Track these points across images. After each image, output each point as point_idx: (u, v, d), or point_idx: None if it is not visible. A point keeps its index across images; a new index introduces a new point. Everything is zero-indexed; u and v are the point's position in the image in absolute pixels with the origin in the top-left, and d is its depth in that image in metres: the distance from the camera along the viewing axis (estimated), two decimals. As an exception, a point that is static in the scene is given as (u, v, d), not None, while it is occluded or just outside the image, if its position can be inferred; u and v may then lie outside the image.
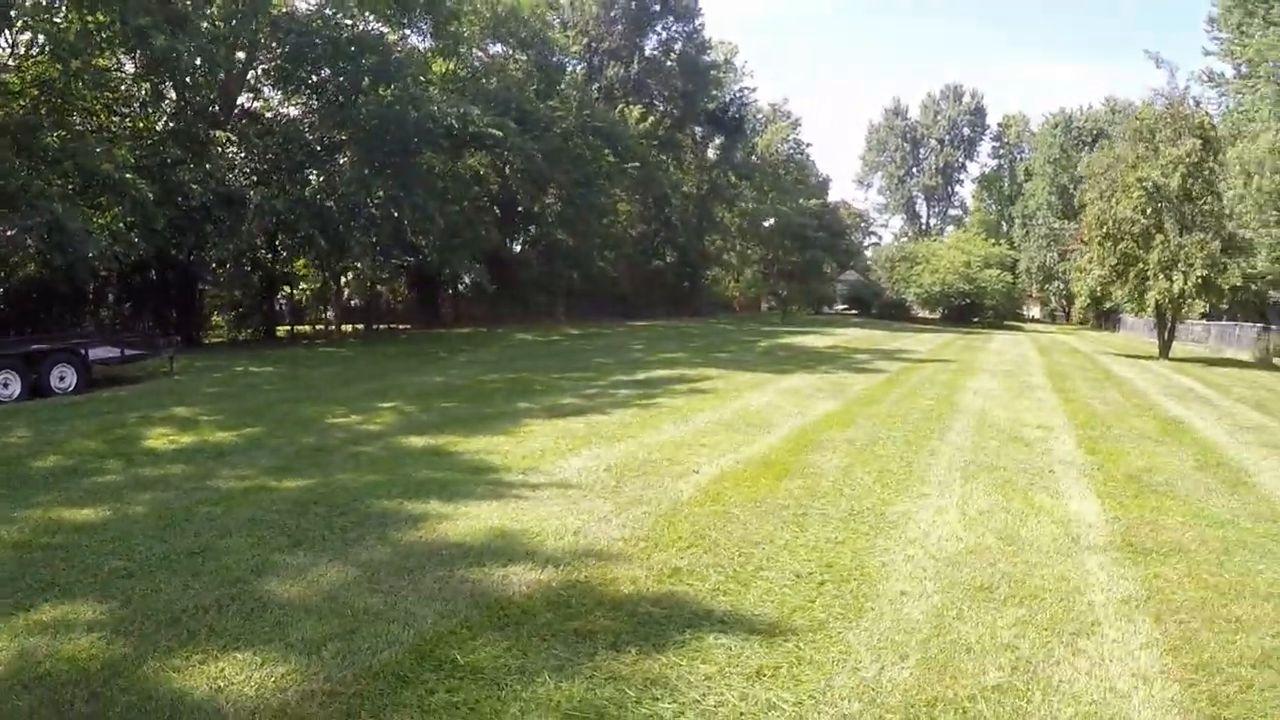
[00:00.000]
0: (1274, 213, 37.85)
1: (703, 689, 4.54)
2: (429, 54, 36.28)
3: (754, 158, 73.02)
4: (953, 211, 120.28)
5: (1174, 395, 19.34)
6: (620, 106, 51.14)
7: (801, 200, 79.19)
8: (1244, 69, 49.33)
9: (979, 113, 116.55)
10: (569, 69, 52.65)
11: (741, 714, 4.33)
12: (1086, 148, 77.42)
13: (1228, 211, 33.41)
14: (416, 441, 11.38)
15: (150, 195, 22.64)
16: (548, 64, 45.98)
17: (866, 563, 6.76)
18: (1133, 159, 32.59)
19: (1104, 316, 64.82)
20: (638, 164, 48.48)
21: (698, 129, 63.25)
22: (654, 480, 9.30)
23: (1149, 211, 31.50)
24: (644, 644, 4.98)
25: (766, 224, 75.54)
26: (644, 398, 15.91)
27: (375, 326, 38.61)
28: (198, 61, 26.37)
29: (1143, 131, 33.39)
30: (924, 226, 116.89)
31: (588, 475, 9.46)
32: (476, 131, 32.74)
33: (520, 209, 45.71)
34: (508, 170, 39.84)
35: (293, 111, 34.33)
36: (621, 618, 5.35)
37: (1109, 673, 4.99)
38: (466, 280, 42.47)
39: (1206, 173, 31.48)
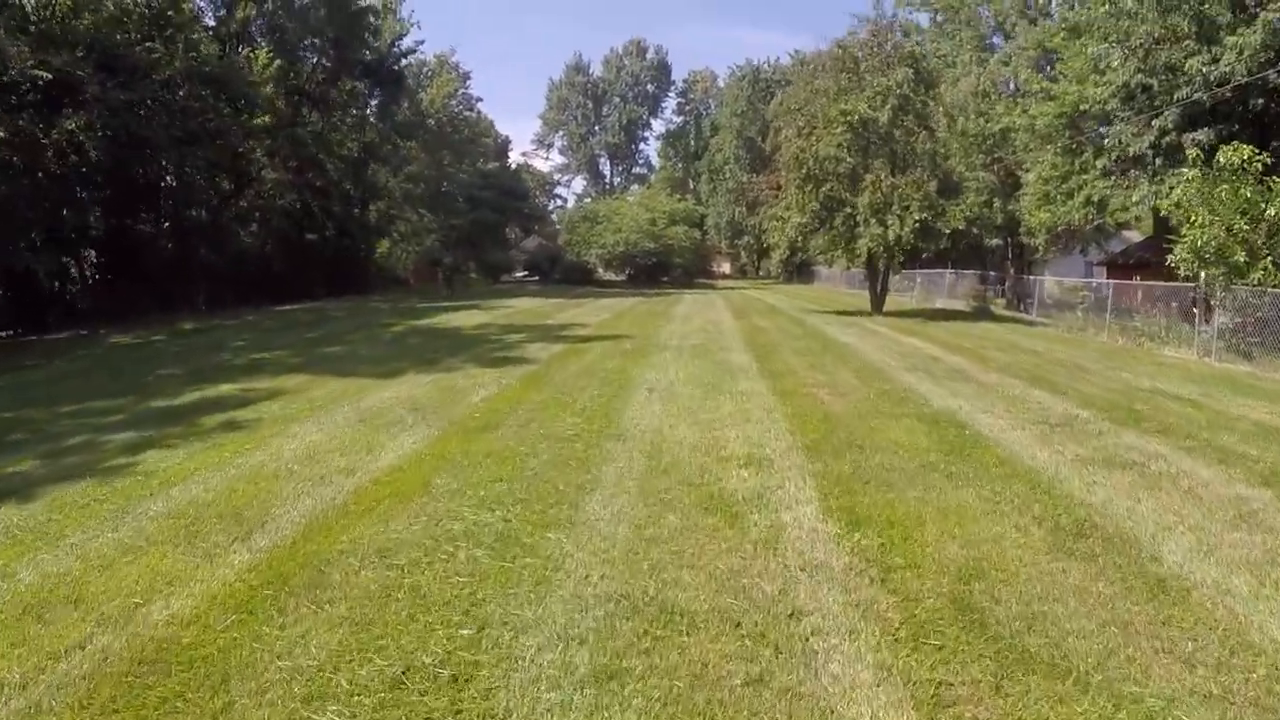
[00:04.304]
0: (980, 155, 35.84)
1: None
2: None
3: (428, 120, 66.58)
4: (637, 170, 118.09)
5: (921, 370, 15.02)
6: (245, 51, 42.77)
7: (480, 163, 73.76)
8: (939, 18, 48.44)
9: (663, 69, 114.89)
10: (189, 5, 43.33)
11: None
12: (774, 100, 76.24)
13: (943, 149, 30.25)
14: None
15: None
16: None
17: None
18: (835, 91, 28.71)
19: (797, 269, 63.30)
20: (266, 116, 40.71)
21: (355, 84, 55.13)
22: None
23: (855, 149, 27.74)
24: None
25: (444, 189, 69.30)
26: (134, 450, 9.41)
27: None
28: None
29: (845, 61, 29.62)
30: (608, 186, 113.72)
31: None
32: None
33: (142, 180, 36.54)
34: (98, 132, 31.03)
35: None
36: None
37: None
38: (76, 273, 34.58)
39: (919, 106, 28.13)
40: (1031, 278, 34.62)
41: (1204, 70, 22.34)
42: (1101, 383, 14.03)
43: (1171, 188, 22.89)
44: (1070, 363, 16.88)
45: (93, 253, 35.27)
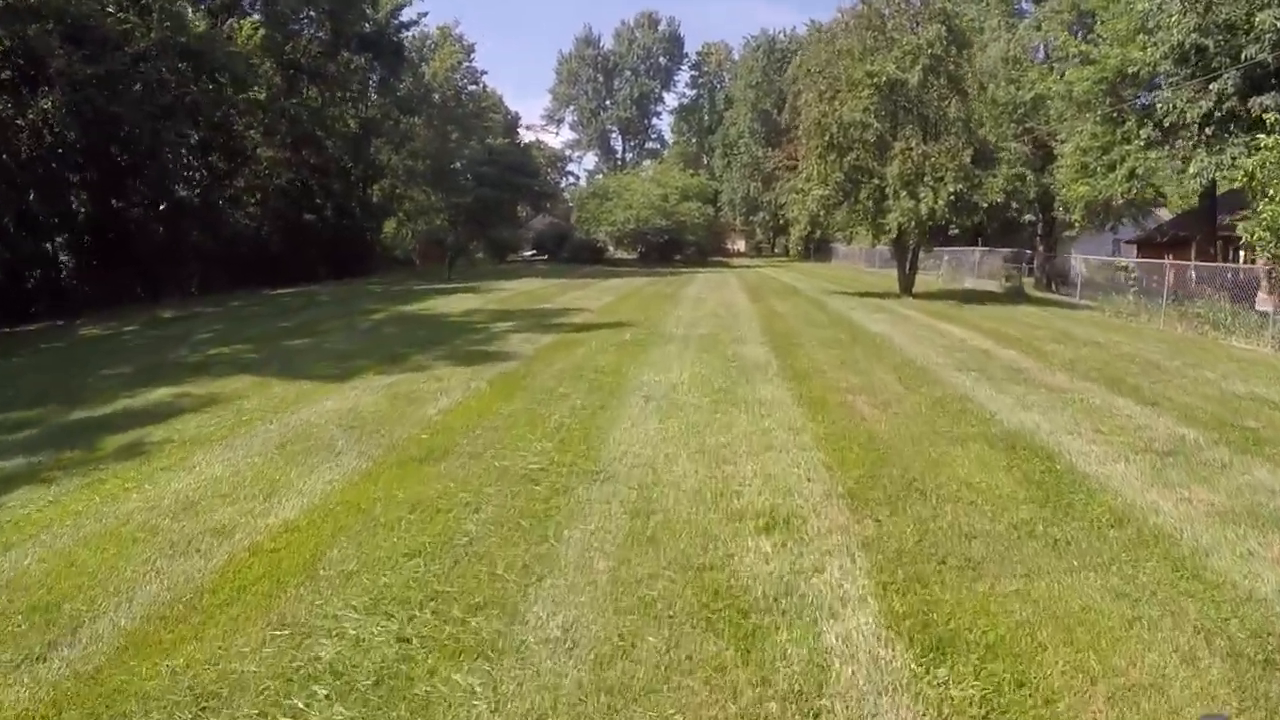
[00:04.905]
0: (1011, 125, 33.34)
1: None
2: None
3: (432, 94, 64.42)
4: (650, 144, 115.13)
5: (974, 369, 12.72)
6: (230, 21, 40.49)
7: (490, 140, 71.80)
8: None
9: (676, 41, 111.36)
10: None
11: None
12: (793, 62, 73.54)
13: (977, 116, 27.74)
14: None
15: None
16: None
17: None
18: (859, 51, 26.28)
19: (814, 247, 60.72)
20: (259, 91, 38.58)
21: (353, 57, 52.74)
22: None
23: (883, 114, 25.37)
24: None
25: (450, 166, 67.07)
26: (4, 487, 7.35)
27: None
28: None
29: (871, 18, 27.13)
30: (619, 161, 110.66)
31: None
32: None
33: (123, 160, 34.61)
34: (62, 110, 29.09)
35: None
36: None
37: None
38: (69, 260, 33.55)
39: (952, 67, 25.71)
40: (1073, 256, 32.28)
41: (1277, 24, 19.92)
42: (1189, 386, 11.68)
43: (1235, 158, 20.65)
44: (1140, 357, 14.53)
45: (86, 238, 33.79)
